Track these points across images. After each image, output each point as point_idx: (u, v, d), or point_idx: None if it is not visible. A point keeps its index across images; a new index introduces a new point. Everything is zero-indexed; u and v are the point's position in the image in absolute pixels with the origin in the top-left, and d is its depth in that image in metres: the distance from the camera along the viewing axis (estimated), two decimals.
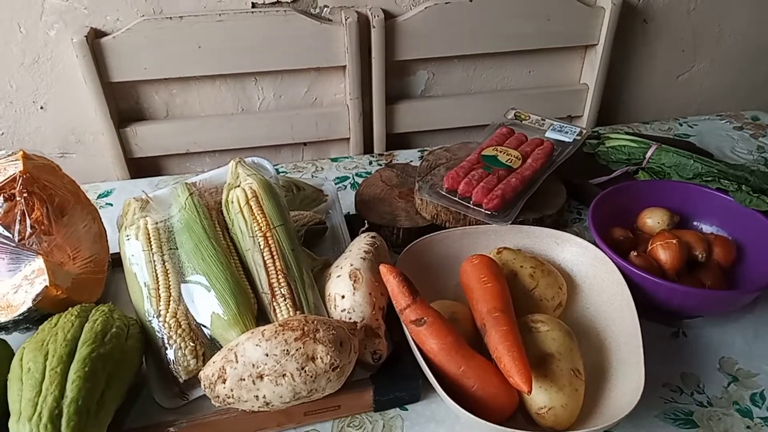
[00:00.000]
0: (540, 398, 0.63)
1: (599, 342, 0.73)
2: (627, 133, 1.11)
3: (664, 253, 0.79)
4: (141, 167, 1.22)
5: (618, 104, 1.41)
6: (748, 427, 0.68)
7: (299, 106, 1.23)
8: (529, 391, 0.61)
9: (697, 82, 1.42)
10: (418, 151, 1.22)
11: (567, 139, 0.99)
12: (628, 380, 0.66)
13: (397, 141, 1.29)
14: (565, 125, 1.02)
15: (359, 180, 1.12)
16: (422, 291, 0.68)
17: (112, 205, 1.06)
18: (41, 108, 1.13)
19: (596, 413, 0.65)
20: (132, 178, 1.19)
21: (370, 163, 1.18)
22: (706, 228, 0.88)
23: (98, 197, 1.08)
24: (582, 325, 0.76)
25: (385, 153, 1.23)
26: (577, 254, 0.82)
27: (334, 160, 1.20)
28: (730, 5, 1.31)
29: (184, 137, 1.18)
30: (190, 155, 1.24)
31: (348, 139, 1.26)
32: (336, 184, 1.11)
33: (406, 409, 0.70)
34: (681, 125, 1.30)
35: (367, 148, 1.27)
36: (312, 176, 1.14)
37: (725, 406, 0.70)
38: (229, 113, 1.21)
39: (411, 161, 1.16)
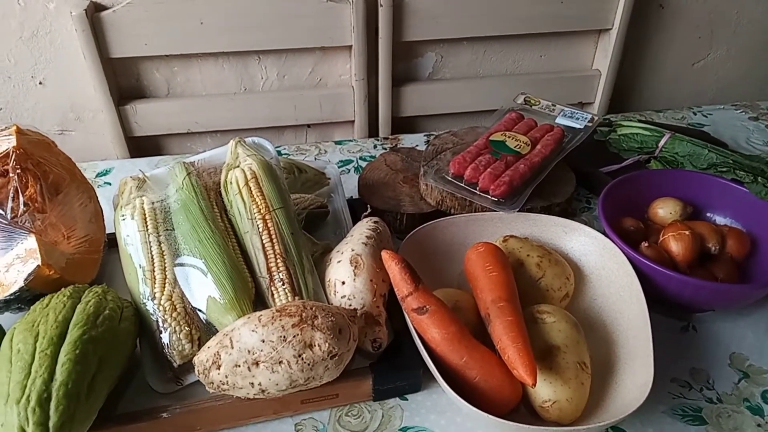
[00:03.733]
0: (544, 391, 0.61)
1: (607, 335, 0.71)
2: (639, 121, 1.08)
3: (676, 245, 0.76)
4: (141, 146, 1.19)
5: (631, 91, 1.37)
6: (758, 425, 0.66)
7: (303, 87, 1.20)
8: (534, 384, 0.59)
9: (712, 70, 1.38)
10: (424, 135, 1.19)
11: (578, 126, 0.96)
12: (636, 375, 0.64)
13: (402, 124, 1.27)
14: (576, 111, 0.99)
15: (363, 163, 1.09)
16: (425, 279, 0.66)
17: (110, 184, 1.04)
18: (40, 83, 1.11)
19: (602, 408, 0.63)
20: (132, 157, 1.17)
21: (375, 146, 1.16)
22: (720, 220, 0.85)
23: (96, 176, 1.06)
24: (589, 317, 0.74)
25: (390, 137, 1.20)
26: (586, 244, 0.79)
27: (338, 142, 1.17)
28: None
29: (186, 116, 1.16)
30: (192, 135, 1.21)
31: (353, 121, 1.23)
32: (339, 167, 1.09)
33: (406, 399, 0.68)
34: (695, 114, 1.27)
35: (372, 131, 1.25)
36: (315, 159, 1.12)
37: (735, 403, 0.68)
38: (232, 92, 1.18)
39: (416, 145, 1.13)
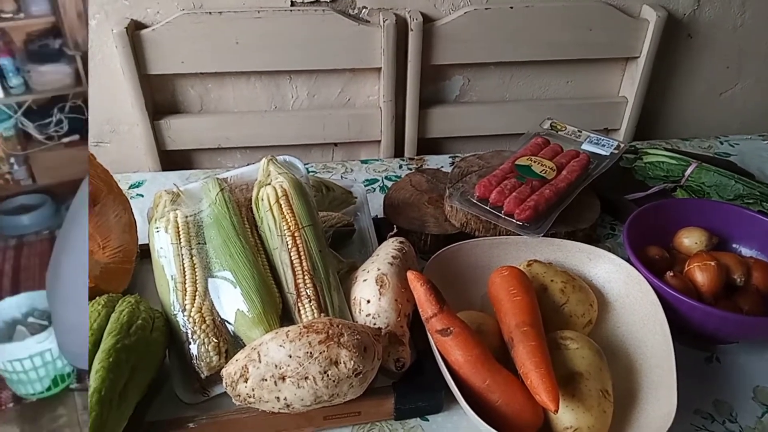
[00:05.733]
0: (566, 418, 0.62)
1: (629, 363, 0.71)
2: (665, 149, 1.08)
3: (701, 275, 0.76)
4: (173, 160, 1.22)
5: (657, 119, 1.37)
6: None
7: (332, 106, 1.23)
8: (556, 410, 0.59)
9: (740, 100, 1.38)
10: (450, 157, 1.20)
11: (604, 153, 0.97)
12: (659, 405, 0.64)
13: (428, 146, 1.28)
14: (602, 138, 1.00)
15: (388, 183, 1.11)
16: (449, 300, 0.67)
17: (142, 195, 1.07)
18: None
19: None
20: (163, 170, 1.20)
21: (400, 166, 1.17)
22: (746, 251, 0.85)
23: (129, 187, 1.09)
24: (612, 344, 0.74)
25: (415, 157, 1.22)
26: (610, 271, 0.79)
27: (364, 162, 1.19)
28: None
29: (217, 132, 1.19)
30: (222, 150, 1.24)
31: (379, 141, 1.25)
32: (365, 186, 1.10)
33: (427, 420, 0.69)
34: (722, 143, 1.27)
35: (398, 151, 1.26)
36: (341, 177, 1.13)
37: None
38: (263, 110, 1.21)
39: (441, 167, 1.14)
